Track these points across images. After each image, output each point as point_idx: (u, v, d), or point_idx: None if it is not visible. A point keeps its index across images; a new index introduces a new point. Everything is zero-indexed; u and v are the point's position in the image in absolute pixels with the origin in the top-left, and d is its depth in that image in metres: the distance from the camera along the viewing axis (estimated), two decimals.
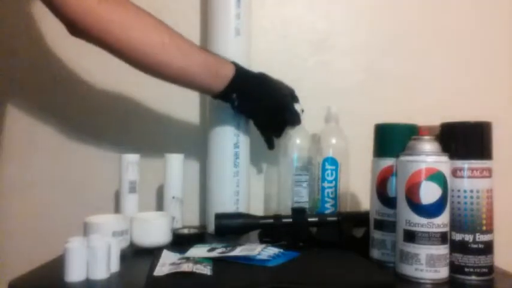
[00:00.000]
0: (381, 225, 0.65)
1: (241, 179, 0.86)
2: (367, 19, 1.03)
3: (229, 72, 0.74)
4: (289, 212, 0.77)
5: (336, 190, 0.86)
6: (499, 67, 1.04)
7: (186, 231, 0.79)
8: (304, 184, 0.87)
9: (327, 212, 0.85)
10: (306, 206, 0.86)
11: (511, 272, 0.64)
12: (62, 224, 0.93)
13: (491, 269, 0.60)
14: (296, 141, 0.89)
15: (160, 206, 0.86)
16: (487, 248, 0.59)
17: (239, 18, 0.85)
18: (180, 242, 0.73)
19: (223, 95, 0.76)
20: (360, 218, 0.73)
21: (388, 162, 0.65)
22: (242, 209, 0.86)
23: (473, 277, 0.59)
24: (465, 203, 0.59)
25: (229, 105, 0.79)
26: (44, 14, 0.67)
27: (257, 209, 0.96)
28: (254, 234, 0.78)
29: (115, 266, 0.59)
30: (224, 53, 0.85)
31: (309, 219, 0.75)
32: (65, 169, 0.97)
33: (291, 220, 0.74)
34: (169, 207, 0.85)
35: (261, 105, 0.80)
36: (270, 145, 0.87)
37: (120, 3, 0.67)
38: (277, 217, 0.75)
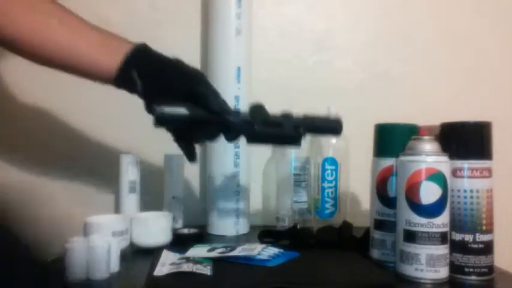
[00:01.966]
0: (380, 225, 0.65)
1: (241, 179, 0.86)
2: (367, 19, 1.03)
3: (127, 48, 0.61)
4: (288, 212, 0.77)
5: (336, 190, 0.86)
6: (499, 67, 1.04)
7: (186, 231, 0.79)
8: (303, 184, 0.87)
9: (327, 212, 0.85)
10: (305, 206, 0.86)
11: (511, 272, 0.64)
12: (62, 224, 0.93)
13: (491, 269, 0.60)
14: None
15: (160, 206, 0.86)
16: (487, 248, 0.59)
17: (240, 18, 0.85)
18: (180, 242, 0.73)
19: (123, 77, 0.61)
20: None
21: (388, 162, 0.65)
22: (242, 210, 0.86)
23: (473, 277, 0.59)
24: (465, 203, 0.59)
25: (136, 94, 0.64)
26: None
27: (256, 209, 0.96)
28: (254, 234, 0.78)
29: (115, 266, 0.59)
30: (225, 52, 0.86)
31: (271, 119, 0.64)
32: (65, 169, 0.97)
33: (248, 118, 0.64)
34: (169, 207, 0.85)
35: (173, 87, 0.62)
36: (190, 155, 0.67)
37: None
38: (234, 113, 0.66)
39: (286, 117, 0.64)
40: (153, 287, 0.53)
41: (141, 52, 0.62)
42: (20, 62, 0.63)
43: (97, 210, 0.75)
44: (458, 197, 0.60)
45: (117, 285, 0.57)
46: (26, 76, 0.98)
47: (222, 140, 0.82)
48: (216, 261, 0.61)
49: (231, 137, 0.66)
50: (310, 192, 0.88)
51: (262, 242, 0.74)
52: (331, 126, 0.66)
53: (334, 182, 0.85)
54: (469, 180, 0.60)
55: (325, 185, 0.86)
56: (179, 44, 0.99)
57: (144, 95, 0.63)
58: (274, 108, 0.98)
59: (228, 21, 0.85)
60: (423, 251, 0.57)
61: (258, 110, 0.65)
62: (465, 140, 0.62)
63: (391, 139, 0.66)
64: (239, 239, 0.82)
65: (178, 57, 0.65)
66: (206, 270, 0.57)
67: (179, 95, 0.62)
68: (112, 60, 0.60)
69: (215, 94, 0.63)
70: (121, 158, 0.82)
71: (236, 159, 0.85)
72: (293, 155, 0.88)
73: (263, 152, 0.94)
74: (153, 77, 0.61)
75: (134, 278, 0.59)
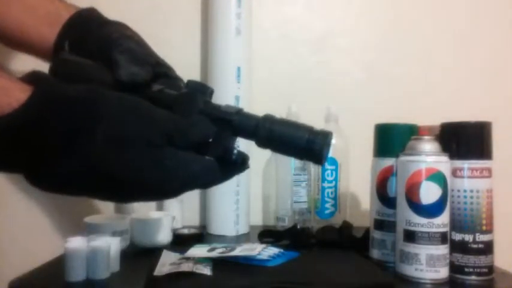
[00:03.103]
0: (381, 225, 0.65)
1: (241, 179, 0.86)
2: (367, 19, 1.03)
3: (66, 14, 0.52)
4: (288, 212, 0.77)
5: (336, 190, 0.86)
6: (499, 67, 1.04)
7: (186, 231, 0.79)
8: (303, 184, 0.87)
9: (327, 212, 0.85)
10: (305, 206, 0.86)
11: (511, 272, 0.64)
12: (62, 224, 0.93)
13: (491, 269, 0.60)
14: None
15: (160, 206, 0.86)
16: (487, 248, 0.59)
17: (240, 18, 0.85)
18: (180, 242, 0.73)
19: (57, 49, 0.52)
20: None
21: (388, 162, 0.65)
22: (242, 210, 0.86)
23: (473, 277, 0.59)
24: (465, 203, 0.59)
25: None
26: None
27: (256, 209, 0.97)
28: (254, 234, 0.78)
29: (115, 266, 0.59)
30: (225, 52, 0.86)
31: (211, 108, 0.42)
32: None
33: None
34: (169, 207, 0.85)
35: (92, 54, 0.48)
36: None
37: None
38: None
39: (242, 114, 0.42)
40: (153, 287, 0.53)
41: (77, 19, 0.52)
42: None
43: (97, 210, 0.75)
44: (458, 197, 0.60)
45: (117, 285, 0.57)
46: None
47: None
48: (216, 261, 0.61)
49: None
50: (310, 192, 0.88)
51: (262, 242, 0.74)
52: (308, 148, 0.41)
53: (334, 182, 0.86)
54: (469, 180, 0.60)
55: (325, 185, 0.86)
56: (179, 44, 1.00)
57: None
58: (274, 108, 0.99)
59: (228, 21, 0.85)
60: (423, 251, 0.57)
61: (190, 96, 0.42)
62: (465, 140, 0.62)
63: (391, 139, 0.66)
64: (239, 239, 0.82)
65: (121, 21, 0.53)
66: (206, 270, 0.57)
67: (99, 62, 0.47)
68: (53, 33, 0.51)
69: (133, 62, 0.44)
70: None
71: None
72: None
73: (263, 152, 0.94)
74: (80, 46, 0.49)
75: (134, 278, 0.59)
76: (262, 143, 0.42)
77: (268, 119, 0.42)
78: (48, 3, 0.54)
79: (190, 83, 0.43)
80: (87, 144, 0.35)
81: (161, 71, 0.46)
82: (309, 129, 0.41)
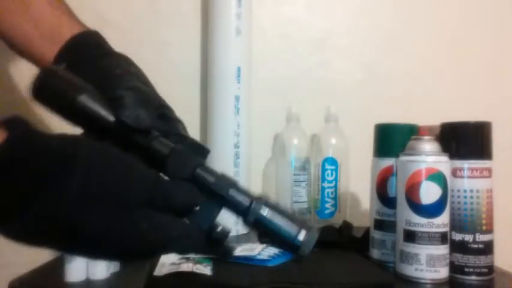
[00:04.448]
0: (381, 225, 0.65)
1: (241, 179, 0.86)
2: (367, 19, 1.03)
3: (68, 32, 0.50)
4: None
5: (336, 190, 0.86)
6: (499, 67, 1.04)
7: None
8: (303, 184, 0.88)
9: (327, 212, 0.85)
10: (305, 206, 0.86)
11: (511, 272, 0.64)
12: None
13: (491, 269, 0.60)
14: (294, 141, 0.89)
15: None
16: (487, 248, 0.59)
17: (240, 18, 0.85)
18: None
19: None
20: None
21: (388, 162, 0.65)
22: None
23: (473, 277, 0.59)
24: (465, 203, 0.59)
25: None
26: None
27: None
28: (254, 234, 0.78)
29: (115, 266, 0.59)
30: (225, 52, 0.86)
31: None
32: None
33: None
34: None
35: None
36: None
37: None
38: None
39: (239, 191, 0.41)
40: (153, 287, 0.53)
41: (77, 42, 0.50)
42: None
43: None
44: (458, 197, 0.60)
45: (117, 285, 0.57)
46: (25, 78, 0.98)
47: (221, 139, 0.80)
48: (216, 261, 0.61)
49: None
50: (310, 192, 0.88)
51: (262, 242, 0.74)
52: (292, 245, 0.41)
53: (334, 182, 0.86)
54: (469, 180, 0.60)
55: (325, 185, 0.86)
56: (179, 44, 1.00)
57: None
58: (274, 108, 0.99)
59: (228, 21, 0.85)
60: (423, 251, 0.57)
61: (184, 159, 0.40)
62: (465, 140, 0.62)
63: (391, 139, 0.66)
64: (239, 239, 0.82)
65: (124, 53, 0.49)
66: (206, 270, 0.57)
67: None
68: (53, 51, 0.50)
69: (139, 103, 0.41)
70: None
71: (236, 159, 0.85)
72: (293, 155, 0.88)
73: (263, 152, 0.94)
74: (77, 73, 0.44)
75: (134, 278, 0.59)
76: (248, 224, 0.41)
77: (262, 202, 0.40)
78: (53, 17, 0.53)
79: (187, 142, 0.42)
80: (56, 195, 0.33)
81: (162, 112, 0.45)
82: (299, 225, 0.41)
